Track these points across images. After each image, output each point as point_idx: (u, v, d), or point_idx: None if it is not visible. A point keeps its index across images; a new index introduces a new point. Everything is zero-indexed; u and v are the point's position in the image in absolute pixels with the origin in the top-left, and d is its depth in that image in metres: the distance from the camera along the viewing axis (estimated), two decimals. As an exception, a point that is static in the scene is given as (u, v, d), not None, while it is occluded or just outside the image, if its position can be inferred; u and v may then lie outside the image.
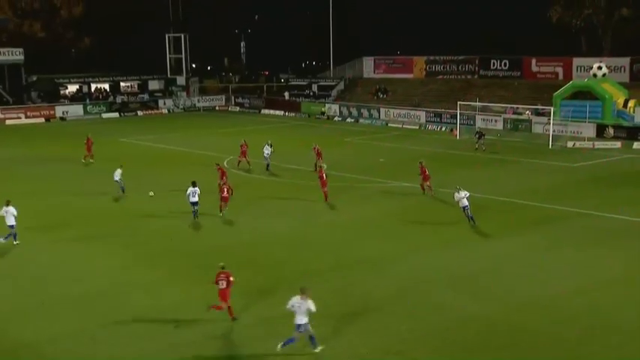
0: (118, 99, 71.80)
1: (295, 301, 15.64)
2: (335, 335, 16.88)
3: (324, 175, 30.75)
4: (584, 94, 51.27)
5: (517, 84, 63.15)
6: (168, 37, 76.79)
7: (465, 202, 26.02)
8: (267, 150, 37.80)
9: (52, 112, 66.03)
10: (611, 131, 48.64)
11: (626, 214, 27.77)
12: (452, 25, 79.00)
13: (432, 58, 70.28)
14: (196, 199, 27.25)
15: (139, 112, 70.03)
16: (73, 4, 79.21)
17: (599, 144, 46.07)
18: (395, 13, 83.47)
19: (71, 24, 79.96)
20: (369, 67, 74.24)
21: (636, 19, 62.90)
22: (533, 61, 63.43)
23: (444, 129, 55.35)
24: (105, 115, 67.93)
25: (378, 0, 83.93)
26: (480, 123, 54.10)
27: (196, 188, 27.26)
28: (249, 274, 21.22)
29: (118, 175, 32.03)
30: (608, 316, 17.96)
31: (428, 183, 31.63)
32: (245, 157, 38.58)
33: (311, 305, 15.58)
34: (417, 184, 32.29)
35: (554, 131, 47.55)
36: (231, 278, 17.67)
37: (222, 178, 30.29)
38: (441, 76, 69.16)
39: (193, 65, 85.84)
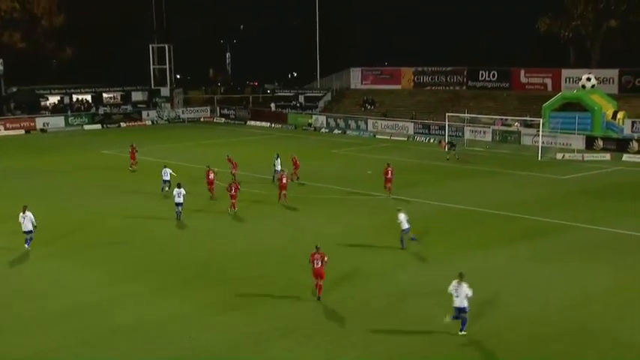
0: (101, 110, 71.70)
1: (453, 285, 17.62)
2: (320, 351, 16.97)
3: (284, 179, 32.74)
4: (573, 105, 51.88)
5: (506, 95, 63.78)
6: (152, 48, 76.87)
7: (406, 225, 24.96)
8: (277, 164, 37.10)
9: (32, 124, 65.81)
10: (600, 143, 49.20)
11: (615, 227, 28.10)
12: (440, 36, 79.67)
13: (419, 69, 70.85)
14: (181, 199, 28.99)
15: (122, 124, 69.94)
16: (54, 13, 79.05)
17: (589, 156, 46.59)
18: (382, 24, 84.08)
19: (52, 34, 79.80)
20: (356, 78, 74.68)
21: (624, 31, 63.79)
22: (522, 72, 64.11)
23: (432, 140, 55.75)
24: (87, 127, 67.80)
25: (365, 10, 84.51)
26: (468, 134, 54.56)
27: (181, 189, 29.08)
28: (234, 287, 21.29)
29: (167, 174, 34.47)
30: (598, 330, 18.18)
31: (389, 185, 33.87)
32: (235, 169, 38.74)
33: (467, 290, 17.45)
34: (405, 197, 32.52)
35: (543, 143, 48.04)
36: (326, 258, 20.18)
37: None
38: (429, 87, 69.70)
39: (178, 76, 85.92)
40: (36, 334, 18.16)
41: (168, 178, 34.66)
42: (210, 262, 24.10)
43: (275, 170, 37.05)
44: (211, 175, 34.14)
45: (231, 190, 30.34)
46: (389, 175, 33.92)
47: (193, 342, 17.43)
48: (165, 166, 35.52)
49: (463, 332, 17.68)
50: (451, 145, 46.28)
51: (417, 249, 25.43)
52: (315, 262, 20.20)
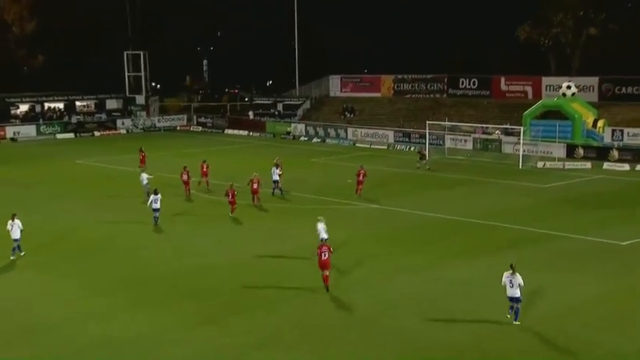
0: (74, 119, 70.94)
1: (506, 275, 19.00)
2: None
3: (255, 184, 33.53)
4: (553, 113, 52.36)
5: (486, 103, 64.25)
6: (127, 55, 76.35)
7: (324, 235, 24.41)
8: (274, 174, 36.54)
9: (2, 133, 64.91)
10: (581, 151, 49.69)
11: (598, 236, 28.29)
12: (420, 43, 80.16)
13: (399, 76, 71.14)
14: (158, 205, 29.96)
15: (96, 133, 69.31)
16: (25, 20, 78.24)
17: (570, 164, 47.02)
18: (362, 31, 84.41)
19: (24, 41, 78.93)
20: (335, 86, 74.78)
21: (604, 39, 64.67)
22: (503, 79, 64.65)
23: (412, 149, 55.90)
24: (59, 136, 67.03)
25: (345, 17, 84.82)
26: (449, 143, 54.80)
27: (158, 195, 30.10)
28: (207, 302, 21.07)
29: (145, 179, 35.04)
30: (584, 341, 18.21)
31: (360, 187, 35.78)
32: (206, 177, 38.56)
33: (520, 279, 18.83)
34: (387, 206, 32.51)
35: (524, 151, 48.40)
36: (331, 249, 21.61)
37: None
38: (409, 95, 69.99)
39: (153, 84, 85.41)
40: (8, 350, 17.75)
41: (146, 182, 35.16)
42: (185, 274, 23.83)
43: (273, 180, 36.55)
44: (185, 176, 35.73)
45: (229, 196, 31.66)
46: (360, 178, 35.88)
47: (169, 357, 17.16)
48: (142, 172, 35.86)
49: (517, 322, 18.88)
50: (421, 156, 46.64)
51: (399, 258, 25.37)
52: (323, 254, 21.45)
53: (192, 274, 23.80)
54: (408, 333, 18.66)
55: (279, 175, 36.73)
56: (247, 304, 20.91)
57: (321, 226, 24.80)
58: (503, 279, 19.14)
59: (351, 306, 20.68)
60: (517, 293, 18.87)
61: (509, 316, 19.15)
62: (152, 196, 30.24)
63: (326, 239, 24.00)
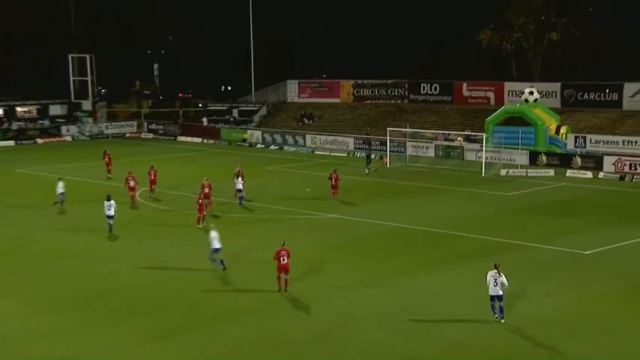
0: (14, 125, 69.41)
1: (491, 274, 20.07)
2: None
3: (207, 189, 34.04)
4: (516, 119, 53.29)
5: (448, 109, 65.07)
6: (72, 58, 75.14)
7: (217, 245, 24.83)
8: (238, 183, 36.37)
9: None
10: (544, 158, 50.66)
11: (562, 246, 28.84)
12: (380, 48, 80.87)
13: (359, 81, 71.59)
14: (112, 212, 30.21)
15: (39, 140, 68.02)
16: (-39, 20, 76.49)
17: (533, 172, 47.89)
18: (320, 34, 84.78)
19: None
20: (293, 91, 74.83)
21: (566, 44, 66.18)
22: (464, 85, 65.58)
23: (373, 156, 56.25)
24: (-2, 144, 65.56)
25: (302, 21, 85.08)
26: (410, 150, 55.32)
27: (112, 201, 30.33)
28: (160, 316, 20.81)
29: (60, 187, 34.88)
30: (549, 351, 18.50)
31: (335, 190, 37.74)
32: (153, 184, 38.34)
33: (504, 279, 19.97)
34: (347, 215, 32.61)
35: (487, 158, 49.12)
36: (289, 253, 22.65)
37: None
38: (369, 101, 70.49)
39: (100, 89, 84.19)
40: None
41: (62, 191, 35.16)
42: (136, 287, 23.55)
43: (237, 189, 36.37)
44: (132, 182, 36.01)
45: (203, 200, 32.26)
46: (333, 182, 37.87)
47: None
48: (60, 179, 35.75)
49: (504, 320, 20.04)
50: (367, 158, 48.17)
51: (360, 270, 25.44)
52: (282, 258, 22.56)
53: (143, 288, 23.49)
54: (368, 347, 18.71)
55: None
56: (203, 318, 20.72)
57: (213, 235, 25.02)
58: (488, 277, 20.22)
59: (310, 319, 20.67)
60: (500, 292, 20.00)
61: (496, 316, 20.23)
62: (105, 203, 30.34)
63: (219, 249, 24.64)
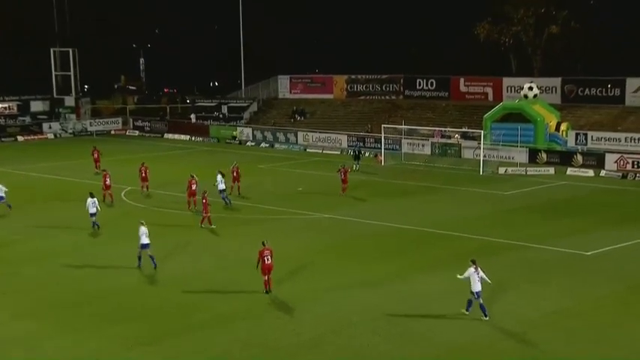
0: (-6, 122, 69.28)
1: (471, 271, 20.70)
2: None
3: (193, 186, 34.66)
4: (515, 116, 53.40)
5: (445, 105, 65.19)
6: (54, 52, 74.92)
7: (146, 240, 25.56)
8: (220, 183, 36.09)
9: None
10: (543, 156, 50.81)
11: (561, 246, 28.99)
12: (374, 41, 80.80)
13: (353, 76, 71.63)
14: (94, 210, 30.81)
15: (19, 138, 67.88)
16: None
17: (532, 170, 48.05)
18: (312, 28, 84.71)
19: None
20: (284, 87, 74.84)
21: (566, 37, 66.34)
22: (462, 80, 65.69)
23: (367, 154, 56.34)
24: (-23, 141, 65.39)
25: (294, 13, 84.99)
26: (406, 148, 55.43)
27: (94, 199, 30.99)
28: (147, 321, 20.84)
29: (1, 191, 34.99)
30: (544, 356, 18.64)
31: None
32: (145, 181, 38.62)
33: (483, 274, 20.80)
34: (341, 216, 32.92)
35: (484, 156, 49.29)
36: (272, 252, 22.76)
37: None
38: (363, 97, 70.57)
39: (84, 84, 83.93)
40: None
41: (2, 194, 35.30)
42: (123, 291, 23.57)
43: (219, 190, 36.21)
44: (108, 180, 36.45)
45: (203, 204, 31.88)
46: (342, 176, 38.86)
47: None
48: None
49: (487, 318, 20.69)
50: (356, 156, 49.09)
51: (354, 272, 25.54)
52: (265, 258, 22.67)
53: (128, 292, 23.53)
54: (361, 352, 18.80)
55: (227, 183, 36.82)
56: (191, 322, 20.76)
57: (143, 230, 25.55)
58: (467, 274, 20.95)
59: (303, 323, 20.75)
60: (478, 287, 20.68)
61: (466, 312, 20.88)
62: (88, 200, 30.79)
63: (148, 244, 25.27)
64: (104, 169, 38.03)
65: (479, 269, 20.89)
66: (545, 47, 67.77)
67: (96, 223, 31.09)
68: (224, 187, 36.32)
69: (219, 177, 36.37)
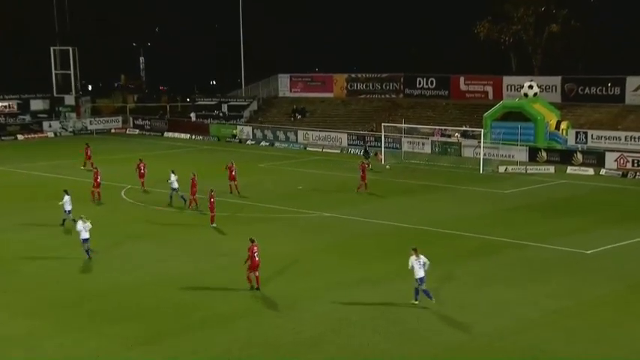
0: (-6, 121, 69.26)
1: (413, 260, 21.42)
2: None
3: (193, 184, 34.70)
4: (515, 114, 53.37)
5: (445, 104, 65.16)
6: (54, 51, 74.87)
7: (85, 235, 26.15)
8: (173, 181, 36.05)
9: None
10: (544, 155, 50.81)
11: (562, 245, 28.97)
12: (374, 40, 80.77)
13: (353, 75, 71.61)
14: (69, 207, 31.14)
15: (20, 136, 67.85)
16: None
17: (532, 168, 48.05)
18: (312, 27, 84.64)
19: None
20: (284, 86, 74.81)
21: (566, 36, 66.31)
22: (462, 79, 65.66)
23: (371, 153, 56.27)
24: (-23, 140, 65.35)
25: (293, 13, 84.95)
26: (406, 146, 55.43)
27: (69, 196, 31.34)
28: (146, 320, 20.83)
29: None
30: (547, 356, 18.62)
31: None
32: (142, 178, 38.69)
33: (424, 259, 21.46)
34: (341, 214, 32.89)
35: (485, 155, 49.29)
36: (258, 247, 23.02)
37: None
38: (363, 96, 70.53)
39: (84, 83, 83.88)
40: None
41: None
42: (121, 290, 23.54)
43: (172, 188, 35.96)
44: (99, 178, 36.57)
45: (210, 203, 31.91)
46: (362, 172, 39.52)
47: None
48: None
49: (434, 300, 21.47)
50: (366, 153, 48.89)
51: (354, 270, 25.51)
52: (255, 254, 22.72)
53: (126, 290, 23.50)
54: (360, 351, 18.79)
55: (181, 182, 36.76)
56: (191, 321, 20.74)
57: (80, 225, 26.10)
58: (411, 263, 21.56)
59: (303, 322, 20.73)
60: (421, 274, 21.41)
61: (416, 302, 21.57)
62: (65, 197, 31.23)
63: (87, 239, 25.81)
64: (96, 167, 38.16)
65: (420, 256, 21.49)
66: (545, 46, 67.76)
67: (66, 220, 31.10)
68: (177, 186, 35.99)
69: (172, 176, 36.11)
